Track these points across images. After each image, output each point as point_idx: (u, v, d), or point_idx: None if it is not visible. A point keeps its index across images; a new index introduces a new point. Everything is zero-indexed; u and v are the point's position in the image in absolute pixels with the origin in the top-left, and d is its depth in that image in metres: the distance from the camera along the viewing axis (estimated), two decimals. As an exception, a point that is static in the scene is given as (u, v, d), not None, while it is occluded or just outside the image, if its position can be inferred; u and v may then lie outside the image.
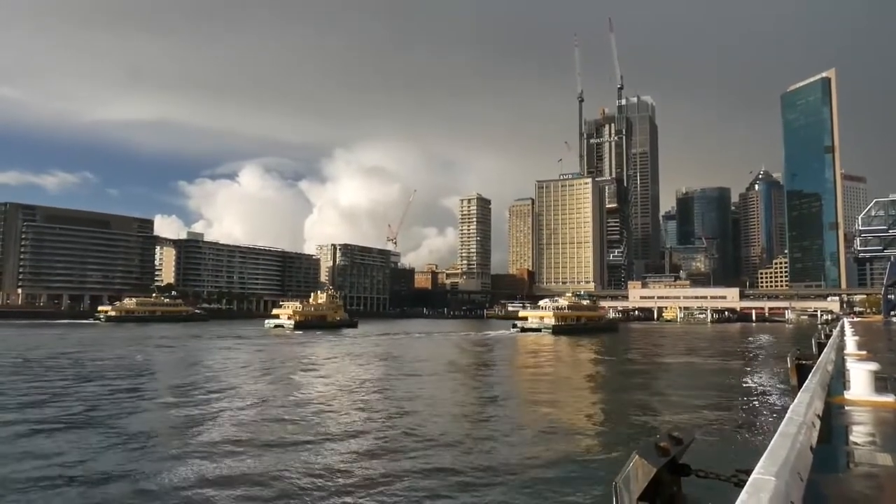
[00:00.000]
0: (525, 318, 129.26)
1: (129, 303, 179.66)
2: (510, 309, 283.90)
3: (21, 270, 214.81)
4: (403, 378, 44.52)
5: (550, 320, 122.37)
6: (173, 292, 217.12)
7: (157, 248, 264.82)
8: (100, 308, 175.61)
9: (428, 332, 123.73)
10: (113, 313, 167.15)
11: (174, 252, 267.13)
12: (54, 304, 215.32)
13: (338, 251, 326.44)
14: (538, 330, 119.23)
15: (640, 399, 34.19)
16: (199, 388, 36.23)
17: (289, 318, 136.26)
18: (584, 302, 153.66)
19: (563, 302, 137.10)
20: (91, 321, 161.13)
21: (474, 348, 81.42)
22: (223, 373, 45.84)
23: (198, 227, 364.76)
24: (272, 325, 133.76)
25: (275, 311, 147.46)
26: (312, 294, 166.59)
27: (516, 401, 35.06)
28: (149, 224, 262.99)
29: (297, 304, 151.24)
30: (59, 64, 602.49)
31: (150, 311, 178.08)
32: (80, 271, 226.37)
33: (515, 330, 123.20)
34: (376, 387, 39.11)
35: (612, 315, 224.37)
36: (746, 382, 41.06)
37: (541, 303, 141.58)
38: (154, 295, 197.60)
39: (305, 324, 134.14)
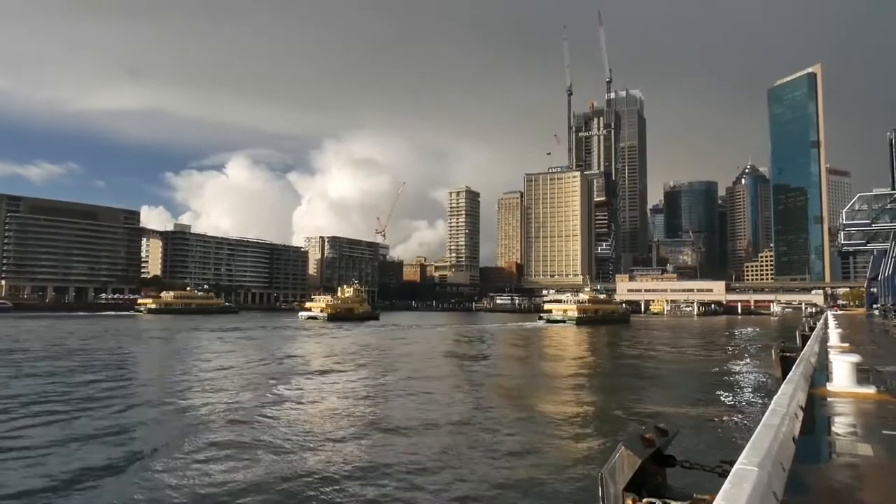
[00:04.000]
0: (550, 311, 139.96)
1: (168, 296, 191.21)
2: (499, 302, 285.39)
3: (5, 262, 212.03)
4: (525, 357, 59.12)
5: (574, 313, 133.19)
6: (205, 286, 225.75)
7: (144, 240, 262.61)
8: (139, 301, 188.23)
9: (454, 324, 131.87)
10: (153, 305, 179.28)
11: (161, 244, 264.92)
12: (38, 295, 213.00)
13: (326, 243, 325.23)
14: (563, 321, 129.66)
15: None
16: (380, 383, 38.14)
17: (321, 311, 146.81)
18: (602, 296, 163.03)
19: (583, 296, 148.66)
20: (132, 313, 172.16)
21: (518, 335, 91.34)
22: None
23: (185, 219, 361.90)
24: (306, 317, 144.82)
25: (307, 305, 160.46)
26: (340, 288, 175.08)
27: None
28: (135, 215, 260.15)
29: (329, 297, 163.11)
30: (47, 54, 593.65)
31: (187, 303, 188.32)
32: (65, 263, 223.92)
33: (542, 321, 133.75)
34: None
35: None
36: (732, 374, 41.57)
37: (562, 297, 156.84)
38: (188, 289, 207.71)
39: (336, 316, 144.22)
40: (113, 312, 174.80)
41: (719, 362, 50.80)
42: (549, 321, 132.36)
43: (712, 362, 50.87)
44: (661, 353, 61.86)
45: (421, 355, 56.66)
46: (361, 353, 57.67)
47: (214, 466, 17.33)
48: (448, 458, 18.78)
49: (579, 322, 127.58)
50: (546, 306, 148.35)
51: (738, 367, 46.13)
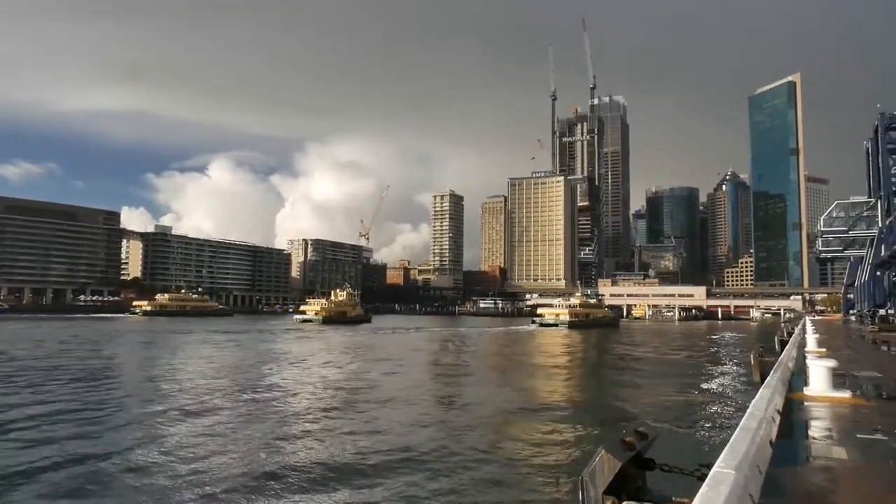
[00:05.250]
0: (542, 315, 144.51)
1: (163, 298, 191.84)
2: (482, 305, 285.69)
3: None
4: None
5: (566, 317, 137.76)
6: (199, 289, 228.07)
7: (124, 241, 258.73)
8: (135, 303, 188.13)
9: (447, 327, 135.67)
10: (148, 308, 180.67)
11: (141, 245, 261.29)
12: (15, 297, 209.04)
13: (309, 246, 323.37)
14: (556, 325, 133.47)
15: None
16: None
17: (316, 314, 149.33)
18: (592, 301, 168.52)
19: (574, 301, 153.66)
20: (128, 314, 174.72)
21: (514, 338, 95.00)
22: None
23: (167, 221, 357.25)
24: (301, 319, 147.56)
25: (302, 308, 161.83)
26: (333, 292, 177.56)
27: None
28: (115, 216, 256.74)
29: (324, 300, 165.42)
30: (31, 54, 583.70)
31: (181, 305, 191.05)
32: (43, 264, 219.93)
33: (535, 325, 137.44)
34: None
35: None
36: (714, 376, 42.00)
37: (554, 301, 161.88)
38: (182, 291, 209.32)
39: (330, 319, 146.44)
40: (110, 314, 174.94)
41: (703, 364, 52.34)
42: (541, 325, 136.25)
43: (698, 364, 52.77)
44: (652, 354, 65.91)
45: (432, 359, 58.85)
46: (375, 355, 59.45)
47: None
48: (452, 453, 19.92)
49: (571, 326, 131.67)
50: (539, 310, 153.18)
51: (719, 370, 46.67)
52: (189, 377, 39.23)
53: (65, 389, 32.59)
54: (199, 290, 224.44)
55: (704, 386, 37.53)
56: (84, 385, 34.29)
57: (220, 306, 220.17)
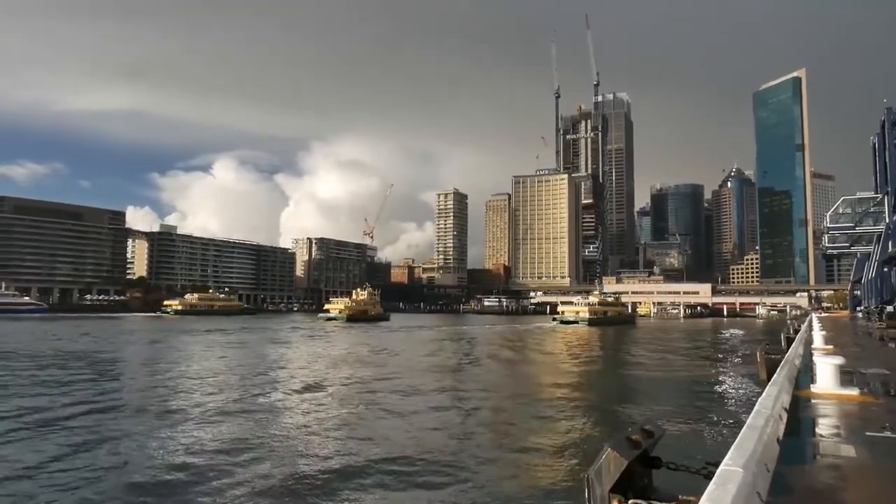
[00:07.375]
0: (562, 313, 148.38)
1: (192, 298, 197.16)
2: (486, 304, 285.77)
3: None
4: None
5: (585, 314, 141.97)
6: (226, 288, 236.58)
7: (129, 241, 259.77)
8: (165, 303, 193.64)
9: (461, 325, 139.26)
10: (179, 307, 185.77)
11: (146, 245, 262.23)
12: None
13: (313, 245, 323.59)
14: (575, 322, 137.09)
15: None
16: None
17: (340, 312, 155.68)
18: (610, 299, 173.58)
19: (593, 299, 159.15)
20: (159, 314, 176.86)
21: (540, 335, 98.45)
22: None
23: (171, 220, 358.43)
24: (325, 318, 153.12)
25: (326, 307, 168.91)
26: (354, 292, 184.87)
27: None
28: (120, 216, 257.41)
29: (346, 300, 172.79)
30: (32, 53, 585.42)
31: (209, 305, 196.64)
32: (50, 264, 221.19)
33: (555, 322, 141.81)
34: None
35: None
36: (719, 375, 41.92)
37: (574, 300, 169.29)
38: (210, 290, 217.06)
39: (353, 317, 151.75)
40: (117, 314, 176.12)
41: (712, 359, 53.90)
42: (562, 322, 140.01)
43: (707, 359, 55.16)
44: (669, 349, 70.08)
45: (492, 354, 61.46)
46: (435, 349, 65.64)
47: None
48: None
49: (591, 323, 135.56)
50: (559, 308, 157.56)
51: (728, 368, 46.61)
52: (321, 370, 43.61)
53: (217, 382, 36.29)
54: (226, 289, 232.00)
55: (713, 385, 37.45)
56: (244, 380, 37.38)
57: (245, 305, 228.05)
